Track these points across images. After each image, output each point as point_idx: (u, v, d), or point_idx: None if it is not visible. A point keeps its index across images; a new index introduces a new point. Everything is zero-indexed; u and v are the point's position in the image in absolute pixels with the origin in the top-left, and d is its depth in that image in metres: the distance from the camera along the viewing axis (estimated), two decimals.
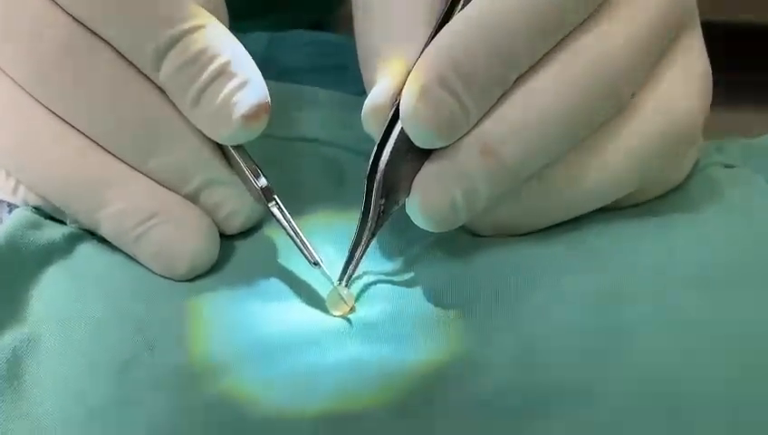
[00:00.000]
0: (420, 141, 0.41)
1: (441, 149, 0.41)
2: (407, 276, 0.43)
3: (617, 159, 0.42)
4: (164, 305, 0.42)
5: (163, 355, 0.39)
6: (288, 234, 0.43)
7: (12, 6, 0.42)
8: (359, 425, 0.37)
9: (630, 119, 0.42)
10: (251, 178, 0.43)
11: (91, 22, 0.41)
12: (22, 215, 0.44)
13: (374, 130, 0.42)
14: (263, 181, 0.43)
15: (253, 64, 0.43)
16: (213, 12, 0.43)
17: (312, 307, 0.42)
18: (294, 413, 0.37)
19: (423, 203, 0.41)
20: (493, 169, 0.41)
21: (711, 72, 0.45)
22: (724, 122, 0.50)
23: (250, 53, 0.43)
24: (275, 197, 0.43)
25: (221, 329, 0.41)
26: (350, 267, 0.42)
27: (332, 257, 0.43)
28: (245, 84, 0.42)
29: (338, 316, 0.42)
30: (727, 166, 0.48)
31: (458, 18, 0.41)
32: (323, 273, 0.42)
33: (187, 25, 0.41)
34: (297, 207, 0.44)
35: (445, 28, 0.41)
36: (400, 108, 0.40)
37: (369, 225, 0.42)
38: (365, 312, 0.42)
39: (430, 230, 0.42)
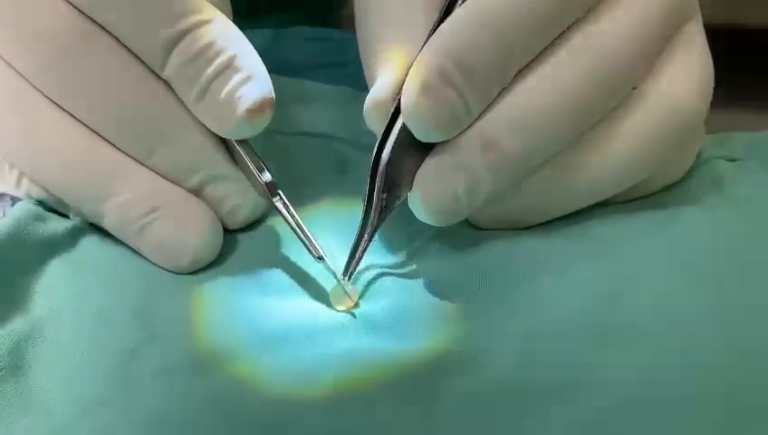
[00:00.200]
0: (422, 136, 0.41)
1: (443, 143, 0.41)
2: (408, 269, 0.43)
3: (618, 151, 0.43)
4: (167, 296, 0.42)
5: (166, 345, 0.39)
6: (292, 228, 0.43)
7: None
8: (361, 412, 0.37)
9: (632, 111, 0.43)
10: (255, 172, 0.43)
11: (98, 14, 0.42)
12: (25, 207, 0.44)
13: (376, 125, 0.42)
14: (267, 176, 0.43)
15: (258, 59, 0.43)
16: (217, 5, 0.43)
17: (315, 299, 0.42)
18: (298, 397, 0.37)
19: (425, 197, 0.41)
20: (494, 163, 0.41)
21: (712, 64, 0.45)
22: (725, 122, 0.50)
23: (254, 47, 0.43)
24: (279, 192, 0.43)
25: (224, 319, 0.41)
26: (353, 263, 0.42)
27: (334, 250, 0.43)
28: (250, 79, 0.42)
29: (342, 311, 0.42)
30: (730, 159, 0.48)
31: (459, 11, 0.41)
32: (328, 268, 0.42)
33: (194, 20, 0.41)
34: (299, 200, 0.44)
35: (446, 22, 0.41)
36: (401, 103, 0.41)
37: (371, 219, 0.42)
38: (367, 305, 0.42)
39: (433, 224, 0.42)
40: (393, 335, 0.40)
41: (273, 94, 0.42)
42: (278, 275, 0.43)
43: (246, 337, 0.40)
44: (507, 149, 0.41)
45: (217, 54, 0.42)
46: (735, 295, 0.40)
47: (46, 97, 0.43)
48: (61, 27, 0.42)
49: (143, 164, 0.43)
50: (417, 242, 0.44)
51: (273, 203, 0.43)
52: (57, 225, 0.44)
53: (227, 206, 0.44)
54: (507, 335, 0.39)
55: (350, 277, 0.42)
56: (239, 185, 0.44)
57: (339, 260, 0.43)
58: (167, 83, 0.42)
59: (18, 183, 0.45)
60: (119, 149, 0.43)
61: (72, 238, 0.44)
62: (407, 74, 0.41)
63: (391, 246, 0.45)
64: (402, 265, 0.44)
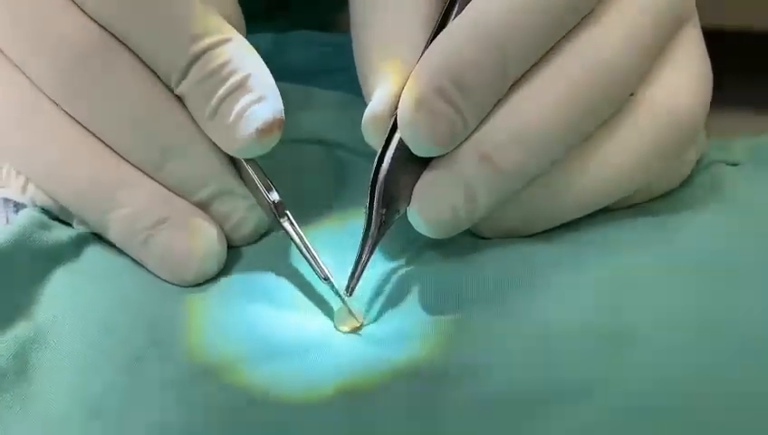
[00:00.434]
0: (419, 151, 0.41)
1: (440, 156, 0.41)
2: (407, 277, 0.43)
3: (617, 158, 0.43)
4: (171, 305, 0.42)
5: (170, 353, 0.39)
6: (298, 248, 0.43)
7: (35, 8, 0.42)
8: (361, 420, 0.37)
9: (630, 117, 0.43)
10: (263, 191, 0.43)
11: (117, 28, 0.42)
12: (29, 215, 0.44)
13: (374, 139, 0.42)
14: (275, 196, 0.44)
15: (271, 80, 0.43)
16: (232, 22, 0.43)
17: (318, 311, 0.43)
18: (299, 407, 0.37)
19: (424, 211, 0.41)
20: (492, 175, 0.41)
21: (711, 67, 0.45)
22: (725, 125, 0.50)
23: None
24: (287, 212, 0.43)
25: (227, 329, 0.41)
26: (354, 279, 0.42)
27: (333, 265, 0.43)
28: (262, 99, 0.42)
29: (346, 332, 0.42)
30: (731, 163, 0.48)
31: (454, 24, 0.41)
32: (333, 288, 0.42)
33: (212, 40, 0.42)
34: (300, 210, 0.44)
35: (440, 35, 0.41)
36: (398, 118, 0.41)
37: (371, 233, 0.42)
38: (367, 315, 0.42)
39: (433, 237, 0.42)
40: (393, 345, 0.40)
41: (284, 115, 0.43)
42: (282, 288, 0.43)
43: (249, 347, 0.40)
44: (505, 161, 0.41)
45: (231, 74, 0.42)
46: (738, 299, 0.40)
47: (57, 106, 0.43)
48: (79, 37, 0.42)
49: (152, 177, 0.43)
50: (416, 248, 0.44)
51: (280, 223, 0.43)
52: (61, 233, 0.44)
53: (233, 221, 0.44)
54: (507, 344, 0.39)
55: (351, 293, 0.42)
56: (245, 202, 0.44)
57: (339, 274, 0.42)
58: (179, 98, 0.43)
59: (24, 189, 0.45)
60: (127, 160, 0.43)
61: (76, 247, 0.44)
62: (403, 87, 0.41)
63: (391, 252, 0.45)
64: (401, 272, 0.44)
